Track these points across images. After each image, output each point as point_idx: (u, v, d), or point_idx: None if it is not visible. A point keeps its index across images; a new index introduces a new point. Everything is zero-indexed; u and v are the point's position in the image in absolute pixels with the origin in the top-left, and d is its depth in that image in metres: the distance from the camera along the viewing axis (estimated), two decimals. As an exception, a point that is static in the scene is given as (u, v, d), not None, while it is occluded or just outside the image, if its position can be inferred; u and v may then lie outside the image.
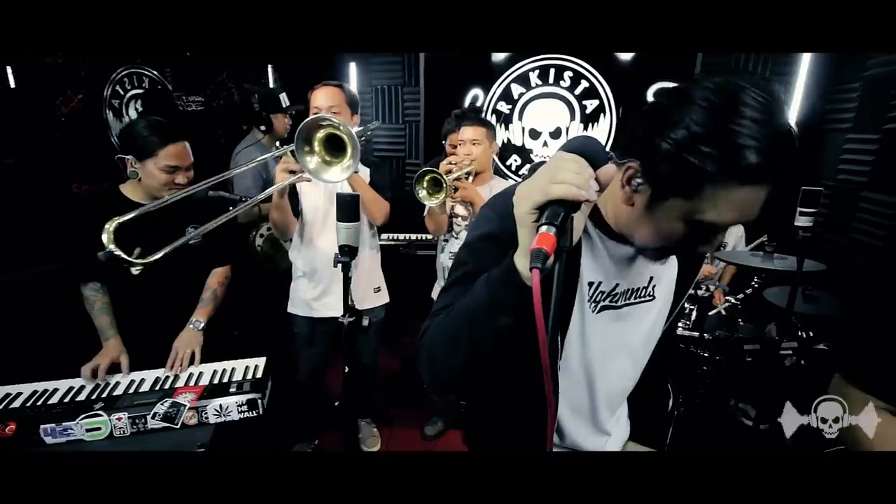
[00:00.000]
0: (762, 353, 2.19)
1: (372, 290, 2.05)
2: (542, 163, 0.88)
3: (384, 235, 3.07)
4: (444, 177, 1.80)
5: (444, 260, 2.12)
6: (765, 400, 2.18)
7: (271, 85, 3.58)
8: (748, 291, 2.34)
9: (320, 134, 1.45)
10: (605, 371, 0.86)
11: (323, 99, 1.76)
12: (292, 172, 1.56)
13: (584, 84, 3.32)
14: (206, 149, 2.59)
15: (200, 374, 1.44)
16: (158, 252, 1.12)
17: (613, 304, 0.83)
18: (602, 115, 3.34)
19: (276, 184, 1.57)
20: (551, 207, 0.52)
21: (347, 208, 1.18)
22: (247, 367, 1.47)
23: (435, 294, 2.22)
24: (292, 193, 1.75)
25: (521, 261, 0.58)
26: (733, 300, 2.34)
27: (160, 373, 1.44)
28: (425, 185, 1.87)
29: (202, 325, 1.59)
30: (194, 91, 2.90)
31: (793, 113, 3.11)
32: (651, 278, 0.85)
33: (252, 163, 1.74)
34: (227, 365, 1.48)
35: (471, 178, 1.96)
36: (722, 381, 2.25)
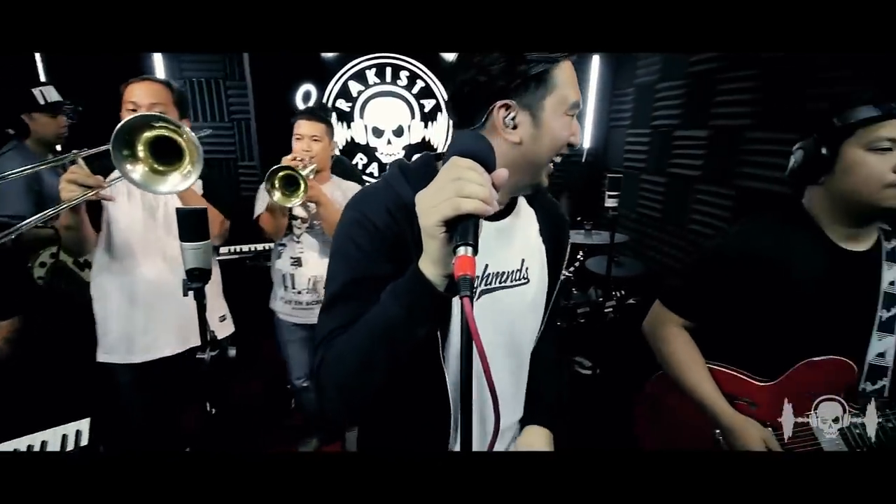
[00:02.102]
0: (591, 314, 2.62)
1: (217, 320, 1.74)
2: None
3: (224, 249, 2.73)
4: (301, 173, 1.66)
5: (283, 266, 1.95)
6: (596, 351, 2.62)
7: (42, 79, 2.82)
8: (577, 264, 2.76)
9: (146, 136, 1.19)
10: (493, 360, 0.86)
11: (143, 95, 1.44)
12: (84, 186, 1.22)
13: (420, 84, 3.44)
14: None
15: (-9, 460, 1.08)
16: None
17: (489, 287, 0.82)
18: (439, 113, 3.52)
19: (62, 201, 1.21)
20: (462, 224, 0.52)
21: (193, 225, 1.01)
22: (65, 436, 1.16)
23: (274, 304, 2.03)
24: (94, 205, 1.40)
25: (430, 269, 0.59)
26: (566, 273, 2.73)
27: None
28: (278, 184, 1.69)
29: None
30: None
31: (589, 114, 3.75)
32: (523, 260, 0.87)
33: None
34: (35, 438, 1.15)
35: (313, 176, 1.84)
36: (562, 343, 2.62)
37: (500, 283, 0.84)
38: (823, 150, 0.99)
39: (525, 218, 0.91)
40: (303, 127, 1.87)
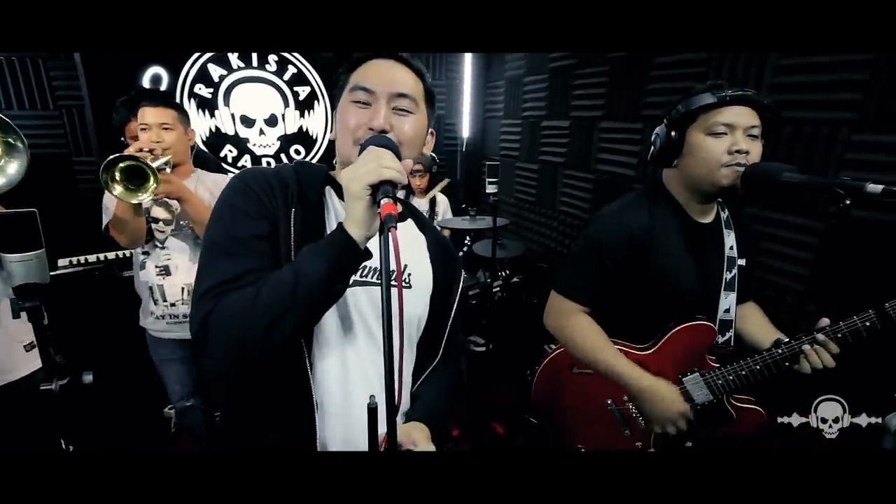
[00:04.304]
0: (480, 294, 2.77)
1: (22, 349, 1.42)
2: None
3: (64, 261, 2.29)
4: (150, 164, 1.44)
5: (150, 277, 1.71)
6: (488, 329, 2.79)
7: None
8: (465, 249, 2.88)
9: None
10: (359, 351, 0.80)
11: None
12: None
13: (291, 70, 3.24)
14: None
15: None
16: None
17: (364, 279, 0.79)
18: (316, 102, 3.36)
19: None
20: (383, 187, 0.63)
21: (18, 231, 0.84)
22: None
23: (145, 321, 1.79)
24: None
25: (354, 230, 0.66)
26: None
27: None
28: (119, 177, 1.44)
29: None
30: None
31: (465, 105, 3.90)
32: (406, 266, 0.84)
33: None
34: None
35: (168, 170, 1.63)
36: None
37: (377, 278, 0.80)
38: (673, 134, 1.12)
39: (413, 234, 0.94)
40: (147, 115, 1.63)
